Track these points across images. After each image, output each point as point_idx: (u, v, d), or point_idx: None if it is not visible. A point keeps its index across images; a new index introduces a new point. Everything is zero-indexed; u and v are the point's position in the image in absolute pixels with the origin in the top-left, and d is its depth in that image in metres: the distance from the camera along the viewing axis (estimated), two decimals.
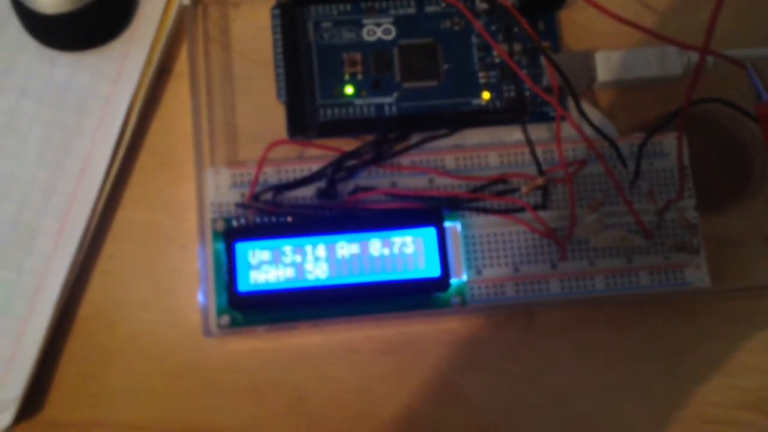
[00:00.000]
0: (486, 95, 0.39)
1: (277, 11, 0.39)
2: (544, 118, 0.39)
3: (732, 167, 0.39)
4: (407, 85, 0.39)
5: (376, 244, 0.35)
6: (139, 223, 0.37)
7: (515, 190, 0.37)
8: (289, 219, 0.36)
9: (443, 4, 0.39)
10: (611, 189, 0.37)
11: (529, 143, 0.37)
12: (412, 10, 0.39)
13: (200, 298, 0.35)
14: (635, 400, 0.37)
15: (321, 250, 0.35)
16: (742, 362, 0.37)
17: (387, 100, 0.39)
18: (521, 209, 0.36)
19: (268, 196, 0.36)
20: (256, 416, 0.36)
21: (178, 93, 0.39)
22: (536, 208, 0.36)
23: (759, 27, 0.40)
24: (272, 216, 0.36)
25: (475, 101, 0.39)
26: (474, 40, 0.39)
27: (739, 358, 0.37)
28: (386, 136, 0.37)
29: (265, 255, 0.35)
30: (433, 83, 0.39)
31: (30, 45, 0.37)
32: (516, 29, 0.38)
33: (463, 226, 0.36)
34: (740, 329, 0.38)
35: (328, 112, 0.38)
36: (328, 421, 0.36)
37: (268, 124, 0.38)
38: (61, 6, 0.36)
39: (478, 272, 0.36)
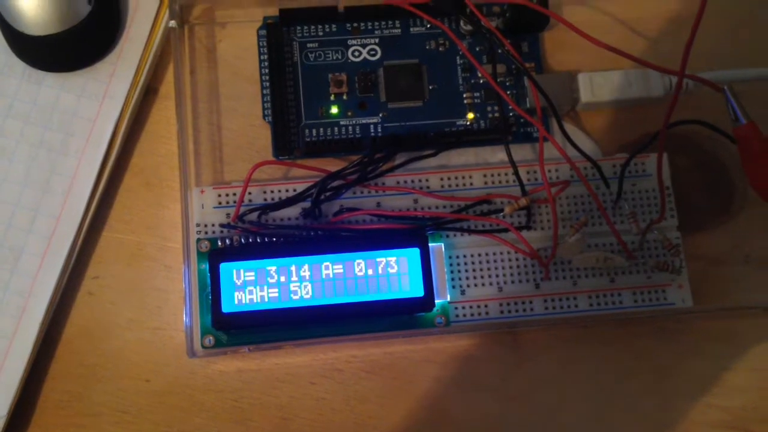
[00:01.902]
0: (470, 116, 0.39)
1: (263, 31, 0.39)
2: (527, 138, 0.39)
3: (713, 188, 0.39)
4: (392, 105, 0.39)
5: (360, 265, 0.35)
6: (124, 243, 0.38)
7: (499, 210, 0.37)
8: (274, 239, 0.36)
9: (428, 26, 0.40)
10: (594, 209, 0.37)
11: (513, 164, 0.37)
12: (397, 31, 0.40)
13: (185, 318, 0.35)
14: (620, 418, 0.37)
15: (305, 271, 0.35)
16: (725, 381, 0.38)
17: (372, 120, 0.39)
18: (505, 230, 0.36)
19: (254, 216, 0.36)
20: None
21: (164, 113, 0.39)
22: (520, 228, 0.37)
23: (742, 48, 0.41)
24: (257, 236, 0.36)
25: (460, 122, 0.39)
26: (458, 61, 0.40)
27: (721, 377, 0.38)
28: (371, 157, 0.37)
29: (250, 275, 0.35)
30: (418, 104, 0.39)
31: (17, 66, 0.38)
32: (500, 50, 0.39)
33: (447, 247, 0.37)
34: (722, 348, 0.38)
35: (314, 132, 0.38)
36: None
37: (254, 144, 0.39)
38: (48, 27, 0.36)
39: (462, 292, 0.37)
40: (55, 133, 0.37)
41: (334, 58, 0.39)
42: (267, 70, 0.39)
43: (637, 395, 0.37)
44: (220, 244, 0.36)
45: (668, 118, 0.34)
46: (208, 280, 0.35)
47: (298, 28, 0.39)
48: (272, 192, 0.37)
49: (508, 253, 0.37)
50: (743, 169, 0.35)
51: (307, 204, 0.36)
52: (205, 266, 0.35)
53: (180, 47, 0.39)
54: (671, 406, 0.37)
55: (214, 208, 0.37)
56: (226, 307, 0.34)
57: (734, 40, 0.41)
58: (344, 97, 0.39)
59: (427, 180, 0.38)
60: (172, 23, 0.38)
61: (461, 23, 0.40)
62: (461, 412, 0.37)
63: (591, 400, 0.37)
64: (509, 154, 0.37)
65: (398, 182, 0.37)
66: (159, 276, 0.37)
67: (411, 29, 0.40)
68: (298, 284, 0.35)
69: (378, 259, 0.35)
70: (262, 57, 0.39)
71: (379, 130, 0.39)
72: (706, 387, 0.38)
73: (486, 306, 0.37)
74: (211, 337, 0.35)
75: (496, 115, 0.39)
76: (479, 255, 0.37)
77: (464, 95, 0.39)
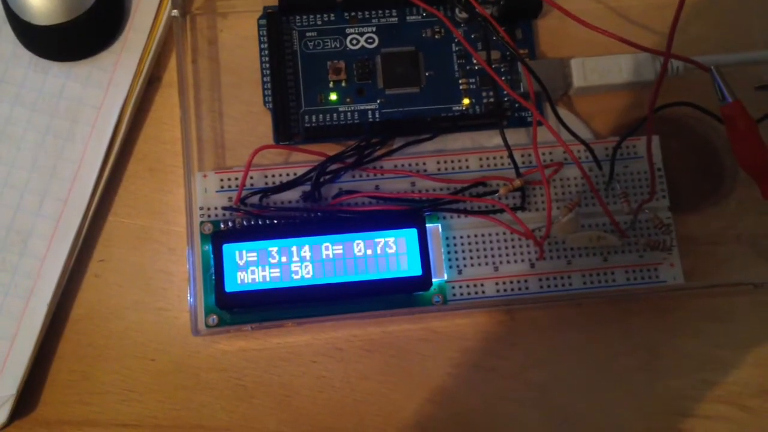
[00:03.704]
0: (466, 101, 0.40)
1: (263, 21, 0.40)
2: (522, 123, 0.40)
3: (704, 168, 0.40)
4: (390, 91, 0.40)
5: (359, 245, 0.36)
6: (129, 227, 0.38)
7: (494, 192, 0.38)
8: (275, 221, 0.37)
9: (424, 14, 0.41)
10: (587, 190, 0.38)
11: (508, 147, 0.38)
12: (394, 20, 0.41)
13: (189, 298, 0.36)
14: (614, 394, 0.38)
15: (306, 251, 0.36)
16: (716, 357, 0.39)
17: (370, 106, 0.40)
18: (500, 210, 0.37)
19: (255, 199, 0.37)
20: (243, 414, 0.37)
21: (167, 101, 0.40)
22: (515, 209, 0.37)
23: (731, 35, 0.41)
24: (259, 218, 0.37)
25: (456, 107, 0.40)
26: (454, 48, 0.41)
27: (712, 353, 0.39)
28: (369, 141, 0.38)
29: (252, 256, 0.36)
30: (414, 90, 0.40)
31: (24, 55, 0.39)
32: (494, 37, 0.40)
33: (444, 228, 0.38)
34: (713, 325, 0.39)
35: (313, 118, 0.39)
36: (314, 418, 0.37)
37: (255, 130, 0.40)
38: (54, 17, 0.37)
39: (459, 272, 0.37)
40: (61, 121, 0.38)
41: (333, 46, 0.40)
42: (267, 59, 0.40)
43: (631, 371, 0.38)
44: (222, 226, 0.37)
45: (655, 97, 0.35)
46: (212, 261, 0.36)
47: (297, 17, 0.40)
48: (273, 176, 0.38)
49: (504, 233, 0.38)
50: (731, 146, 0.36)
51: (307, 187, 0.37)
52: (209, 248, 0.36)
53: (182, 37, 0.40)
54: (664, 383, 0.38)
55: (217, 192, 0.37)
56: (229, 287, 0.35)
57: (724, 28, 0.42)
58: (343, 84, 0.40)
59: (424, 164, 0.38)
60: (175, 13, 0.39)
61: (456, 11, 0.40)
62: (459, 389, 0.38)
63: (586, 375, 0.38)
64: (504, 138, 0.38)
65: (396, 166, 0.38)
66: (163, 258, 0.38)
67: (407, 18, 0.41)
68: (299, 264, 0.36)
69: (377, 240, 0.36)
70: (262, 46, 0.40)
71: (377, 115, 0.40)
72: (698, 363, 0.38)
73: (482, 285, 0.37)
74: (214, 317, 0.36)
75: (491, 100, 0.40)
76: (475, 235, 0.38)
77: (460, 81, 0.40)
